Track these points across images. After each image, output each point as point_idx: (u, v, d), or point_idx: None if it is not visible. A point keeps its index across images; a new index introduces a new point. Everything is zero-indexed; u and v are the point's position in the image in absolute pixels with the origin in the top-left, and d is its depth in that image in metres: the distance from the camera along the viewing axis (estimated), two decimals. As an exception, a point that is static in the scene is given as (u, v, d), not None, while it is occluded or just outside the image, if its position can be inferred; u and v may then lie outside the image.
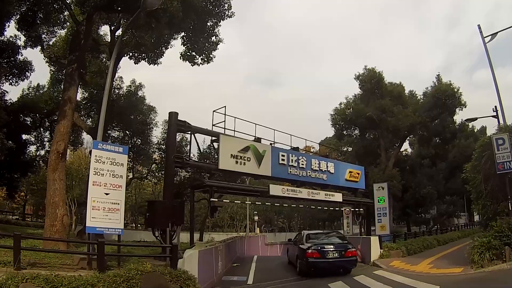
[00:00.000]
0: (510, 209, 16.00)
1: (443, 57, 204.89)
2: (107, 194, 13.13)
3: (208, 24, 24.10)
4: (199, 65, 25.95)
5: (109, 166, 13.42)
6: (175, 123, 18.57)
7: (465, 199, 51.92)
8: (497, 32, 20.62)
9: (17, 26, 24.82)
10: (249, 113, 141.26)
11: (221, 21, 24.26)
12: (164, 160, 26.86)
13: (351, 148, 53.28)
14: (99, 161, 13.21)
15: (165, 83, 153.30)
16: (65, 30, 28.60)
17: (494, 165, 16.52)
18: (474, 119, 25.31)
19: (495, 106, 21.35)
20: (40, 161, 35.34)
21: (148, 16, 19.52)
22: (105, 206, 12.97)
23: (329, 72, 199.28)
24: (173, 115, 18.61)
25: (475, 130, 56.62)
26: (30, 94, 33.81)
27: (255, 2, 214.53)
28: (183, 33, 24.42)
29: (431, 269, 15.87)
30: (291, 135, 24.44)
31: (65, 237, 18.17)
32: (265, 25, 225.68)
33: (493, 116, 21.71)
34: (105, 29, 31.25)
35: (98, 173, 13.09)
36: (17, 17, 23.91)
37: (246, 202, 44.37)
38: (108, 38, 29.49)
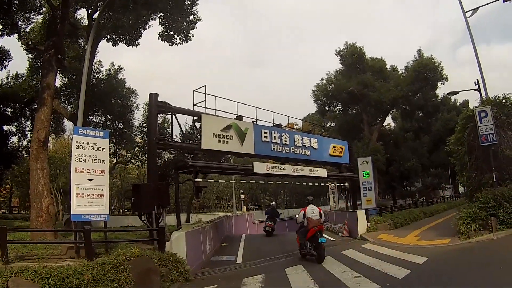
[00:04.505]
0: (495, 180, 16.19)
1: (428, 34, 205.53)
2: (90, 180, 12.91)
3: (186, 2, 23.78)
4: (177, 45, 25.93)
5: (91, 151, 13.17)
6: (155, 104, 18.31)
7: (450, 171, 52.58)
8: (478, 7, 20.63)
9: (-8, 15, 24.16)
10: (235, 93, 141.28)
11: (199, -1, 24.02)
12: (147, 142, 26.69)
13: (334, 124, 53.38)
14: (81, 147, 12.96)
15: (154, 69, 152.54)
16: (42, 16, 27.93)
17: (478, 137, 16.67)
18: (457, 92, 25.53)
19: (477, 80, 21.56)
20: (23, 152, 34.79)
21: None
22: (89, 192, 12.78)
23: (315, 52, 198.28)
24: (153, 96, 18.32)
25: (458, 104, 56.97)
26: (9, 84, 33.18)
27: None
28: (160, 13, 24.07)
29: (418, 241, 16.03)
30: (273, 112, 24.36)
31: (52, 227, 17.87)
32: (254, 6, 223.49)
33: (475, 89, 21.93)
34: (82, 13, 30.60)
35: (80, 159, 12.85)
36: (-9, 5, 23.23)
37: (231, 181, 44.44)
38: (85, 22, 28.84)
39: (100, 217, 13.06)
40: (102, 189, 13.24)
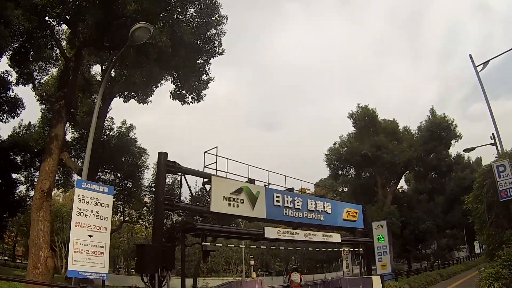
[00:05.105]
0: (517, 236, 15.48)
1: (437, 91, 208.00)
2: (90, 236, 12.42)
3: (199, 62, 23.89)
4: (189, 104, 25.67)
5: (93, 206, 12.76)
6: (164, 164, 17.84)
7: (465, 231, 51.59)
8: (488, 60, 20.37)
9: (9, 62, 24.70)
10: (247, 155, 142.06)
11: (212, 58, 24.07)
12: (154, 202, 26.18)
13: (347, 188, 52.84)
14: (83, 201, 12.58)
15: (168, 127, 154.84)
16: (57, 68, 28.48)
17: (497, 193, 16.09)
18: (472, 149, 25.17)
19: (492, 134, 21.33)
20: (30, 201, 34.22)
21: (137, 53, 19.34)
22: (89, 249, 12.26)
23: (327, 112, 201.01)
24: (162, 156, 17.89)
25: (471, 162, 56.64)
26: (20, 133, 33.43)
27: (253, 46, 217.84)
28: (173, 71, 24.21)
29: (437, 306, 15.12)
30: (285, 176, 23.82)
31: (49, 280, 17.26)
32: (264, 68, 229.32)
33: (491, 144, 21.61)
34: (96, 69, 31.21)
35: (82, 214, 12.44)
36: (10, 53, 23.81)
37: (240, 246, 43.35)
38: (99, 78, 29.31)
39: (98, 275, 12.42)
40: (103, 247, 12.70)
